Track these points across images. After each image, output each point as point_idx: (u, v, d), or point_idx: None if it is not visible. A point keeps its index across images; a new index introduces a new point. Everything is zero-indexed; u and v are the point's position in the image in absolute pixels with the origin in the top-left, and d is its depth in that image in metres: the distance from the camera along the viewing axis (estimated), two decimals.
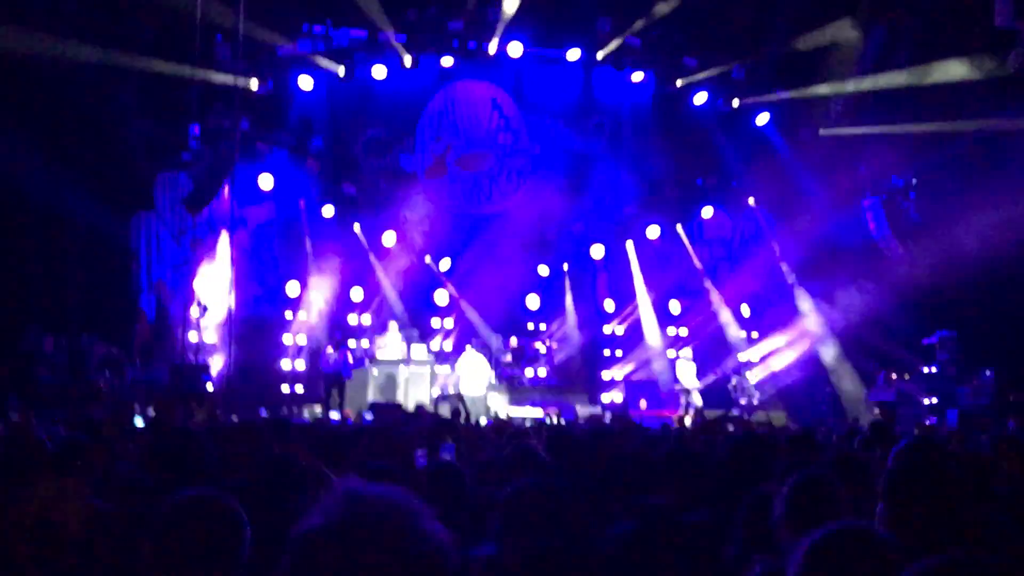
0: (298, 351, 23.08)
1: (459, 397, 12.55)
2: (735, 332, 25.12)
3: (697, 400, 21.98)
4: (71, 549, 3.42)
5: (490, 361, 23.47)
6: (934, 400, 20.29)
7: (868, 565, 2.39)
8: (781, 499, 3.93)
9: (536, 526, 3.85)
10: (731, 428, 13.37)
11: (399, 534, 1.76)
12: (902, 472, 3.97)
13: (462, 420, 13.16)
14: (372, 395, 20.57)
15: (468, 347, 22.85)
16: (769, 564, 3.78)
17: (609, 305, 26.17)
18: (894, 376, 21.75)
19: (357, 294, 24.30)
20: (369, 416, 17.45)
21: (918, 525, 3.67)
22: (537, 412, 19.49)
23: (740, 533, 4.31)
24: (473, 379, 21.86)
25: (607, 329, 26.18)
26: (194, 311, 19.57)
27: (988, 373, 19.95)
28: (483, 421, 16.11)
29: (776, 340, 24.50)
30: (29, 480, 4.32)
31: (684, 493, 5.51)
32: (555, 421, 16.12)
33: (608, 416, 18.31)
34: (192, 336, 19.57)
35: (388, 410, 17.14)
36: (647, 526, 4.11)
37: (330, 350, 20.47)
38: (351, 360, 20.58)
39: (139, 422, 12.60)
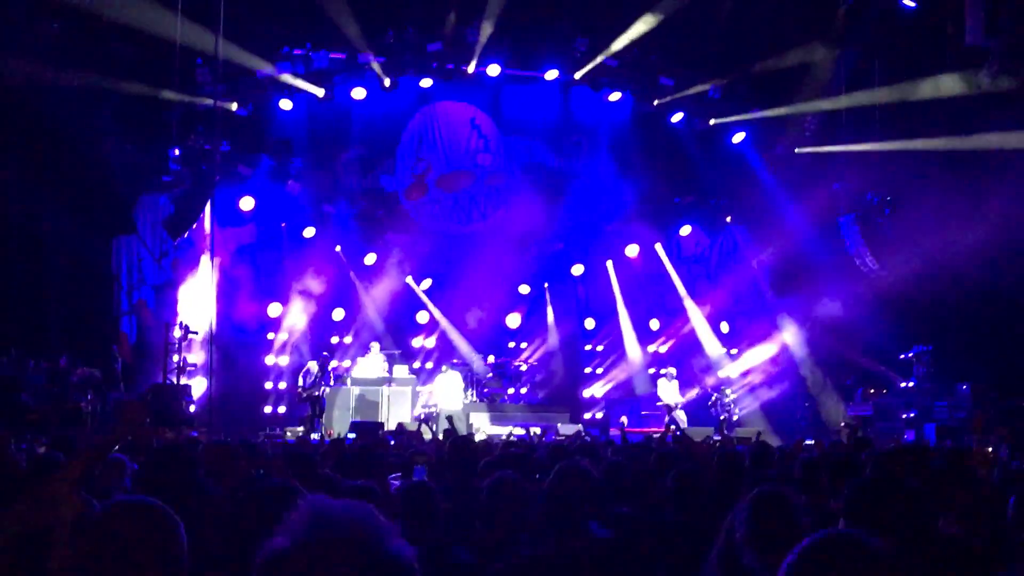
0: (280, 372, 23.11)
1: (448, 418, 12.54)
2: (714, 349, 25.25)
3: (681, 417, 22.07)
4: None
5: (471, 380, 23.55)
6: (912, 414, 20.44)
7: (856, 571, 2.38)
8: (741, 520, 3.99)
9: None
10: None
11: (363, 553, 1.76)
12: (858, 494, 4.09)
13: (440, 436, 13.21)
14: (354, 415, 20.61)
15: (444, 367, 22.98)
16: None
17: (589, 323, 26.30)
18: (872, 391, 21.92)
19: (339, 314, 24.36)
20: (351, 436, 17.48)
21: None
22: (518, 431, 19.50)
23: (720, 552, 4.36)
24: (448, 396, 21.95)
25: (588, 347, 26.29)
26: (176, 332, 19.56)
27: (964, 387, 20.12)
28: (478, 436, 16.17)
29: (755, 356, 24.63)
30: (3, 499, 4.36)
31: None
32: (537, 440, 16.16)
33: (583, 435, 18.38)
34: (174, 358, 19.55)
35: (369, 429, 17.16)
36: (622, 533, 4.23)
37: (313, 367, 20.53)
38: (331, 380, 20.65)
39: None
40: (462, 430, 18.80)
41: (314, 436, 18.56)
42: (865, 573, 2.29)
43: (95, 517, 2.99)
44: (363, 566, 1.75)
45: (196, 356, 20.18)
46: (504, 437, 15.14)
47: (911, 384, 21.11)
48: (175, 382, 19.28)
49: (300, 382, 20.57)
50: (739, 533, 3.90)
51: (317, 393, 20.12)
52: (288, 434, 19.83)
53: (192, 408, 18.84)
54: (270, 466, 5.97)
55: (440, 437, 12.66)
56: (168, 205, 21.08)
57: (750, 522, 3.88)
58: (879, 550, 2.38)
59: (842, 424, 18.17)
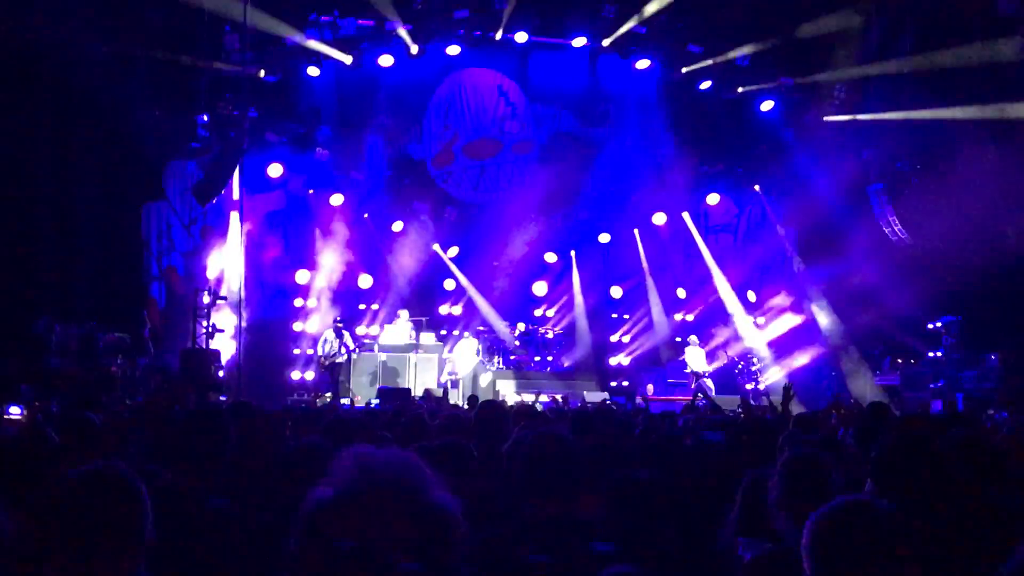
0: (307, 339, 23.21)
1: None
2: (741, 317, 25.17)
3: (709, 385, 22.08)
4: None
5: (498, 347, 23.63)
6: (940, 384, 20.35)
7: (873, 536, 2.44)
8: (775, 480, 4.01)
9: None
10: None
11: (408, 501, 1.82)
12: (889, 452, 4.09)
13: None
14: (381, 381, 20.72)
15: (466, 333, 23.09)
16: (757, 546, 3.89)
17: (616, 292, 26.27)
18: (899, 361, 21.83)
19: (366, 281, 24.43)
20: (376, 402, 17.62)
21: (905, 503, 3.74)
22: (543, 398, 19.58)
23: (736, 514, 4.39)
24: (463, 361, 22.06)
25: (614, 315, 26.28)
26: (205, 298, 19.67)
27: (993, 357, 20.01)
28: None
29: (782, 325, 24.56)
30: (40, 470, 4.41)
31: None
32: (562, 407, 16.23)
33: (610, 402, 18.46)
34: (203, 323, 19.67)
35: (396, 395, 17.28)
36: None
37: (329, 335, 20.63)
38: (350, 345, 20.71)
39: None
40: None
41: (344, 402, 18.71)
42: (880, 537, 2.35)
43: (64, 485, 3.00)
44: (408, 514, 1.80)
45: (224, 322, 20.28)
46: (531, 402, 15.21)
47: (939, 354, 20.98)
48: (204, 347, 19.41)
49: (320, 350, 20.68)
50: (772, 496, 3.92)
51: (339, 361, 20.17)
52: (317, 401, 19.97)
53: (221, 373, 18.96)
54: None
55: (466, 405, 12.77)
56: (197, 171, 21.15)
57: (783, 485, 3.89)
58: (893, 516, 2.42)
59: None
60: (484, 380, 21.75)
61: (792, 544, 3.63)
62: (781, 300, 24.78)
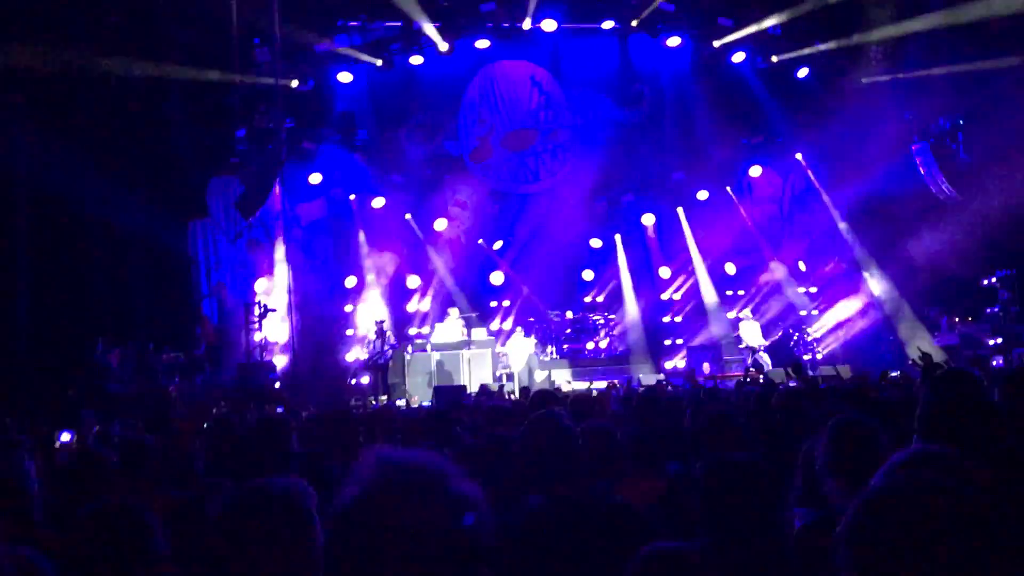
0: (361, 343, 23.33)
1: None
2: (793, 289, 24.96)
3: (765, 359, 21.92)
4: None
5: (550, 337, 23.63)
6: (999, 341, 20.06)
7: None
8: (821, 447, 3.96)
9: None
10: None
11: (431, 496, 1.84)
12: (935, 403, 4.03)
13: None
14: (436, 380, 20.76)
15: (519, 328, 23.06)
16: (809, 515, 3.86)
17: (664, 272, 26.15)
18: (957, 320, 21.54)
19: (414, 282, 24.52)
20: (430, 401, 17.67)
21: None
22: (599, 384, 19.53)
23: (797, 483, 4.34)
24: (516, 355, 22.05)
25: (664, 296, 26.16)
26: (256, 311, 19.86)
27: None
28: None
29: (836, 293, 24.34)
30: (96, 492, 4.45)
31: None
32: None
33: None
34: (256, 336, 19.86)
35: (451, 393, 17.29)
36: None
37: (372, 336, 20.72)
38: (390, 344, 20.77)
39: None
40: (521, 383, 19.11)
41: (400, 403, 18.77)
42: (952, 486, 2.24)
43: (77, 520, 3.08)
44: (431, 508, 1.82)
45: (276, 333, 20.47)
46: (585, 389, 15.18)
47: (996, 310, 20.68)
48: (259, 360, 19.60)
49: (364, 353, 20.77)
50: (819, 461, 3.88)
51: (382, 362, 20.21)
52: (373, 403, 20.06)
53: (277, 384, 19.14)
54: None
55: (516, 396, 12.77)
56: (238, 186, 21.33)
57: (829, 449, 3.85)
58: (962, 463, 2.34)
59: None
60: (539, 374, 21.73)
61: (840, 509, 3.60)
62: (832, 268, 24.56)
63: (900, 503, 1.86)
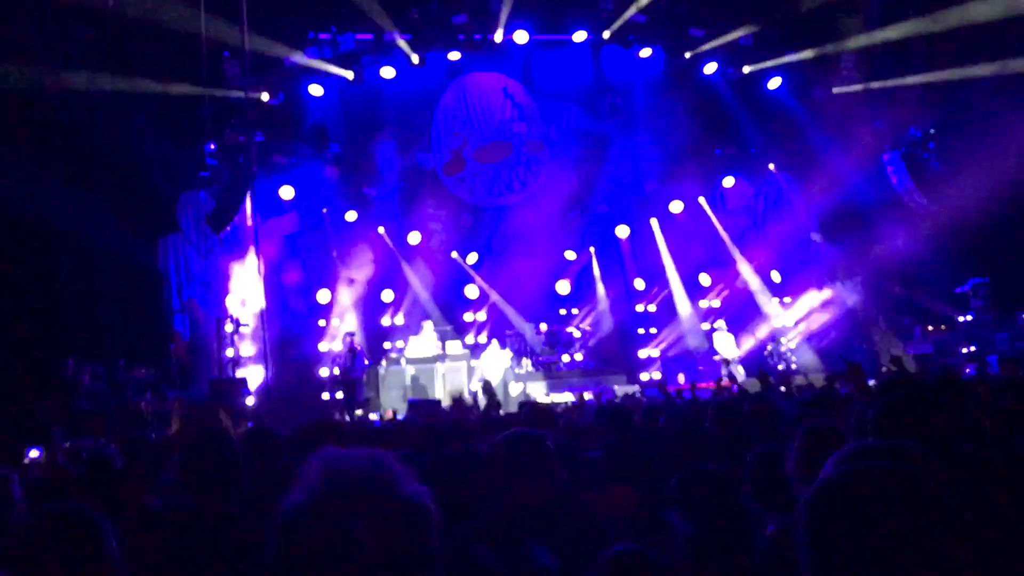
0: (333, 358, 23.21)
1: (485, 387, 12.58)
2: (767, 299, 25.01)
3: (739, 370, 21.91)
4: None
5: (525, 350, 23.58)
6: (972, 348, 20.15)
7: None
8: (792, 451, 3.94)
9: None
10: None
11: (378, 498, 1.79)
12: (883, 410, 4.04)
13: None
14: (411, 393, 20.68)
15: (494, 340, 23.02)
16: (783, 521, 3.81)
17: (639, 284, 26.15)
18: (930, 328, 21.63)
19: (388, 295, 24.42)
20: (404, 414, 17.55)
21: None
22: (573, 396, 19.47)
23: (750, 488, 4.34)
24: (491, 369, 22.00)
25: (639, 308, 26.17)
26: (227, 327, 19.71)
27: None
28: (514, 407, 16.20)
29: (809, 302, 24.40)
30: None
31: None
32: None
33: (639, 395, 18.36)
34: (228, 352, 19.72)
35: (426, 407, 17.20)
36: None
37: (342, 348, 20.64)
38: (363, 361, 20.68)
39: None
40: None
41: (373, 417, 18.66)
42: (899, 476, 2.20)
43: (26, 525, 3.07)
44: (379, 512, 1.78)
45: (248, 349, 20.32)
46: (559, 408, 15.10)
47: (970, 318, 20.78)
48: (231, 376, 19.45)
49: (335, 369, 20.64)
50: (789, 465, 3.87)
51: (353, 376, 20.09)
52: (346, 418, 19.93)
53: (250, 401, 18.99)
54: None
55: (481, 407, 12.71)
56: (209, 200, 21.19)
57: (799, 455, 3.85)
58: (913, 453, 2.35)
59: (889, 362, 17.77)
60: (514, 387, 21.67)
61: None
62: (806, 278, 24.63)
63: (845, 488, 1.94)
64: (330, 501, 1.78)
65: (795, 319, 24.49)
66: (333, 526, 1.76)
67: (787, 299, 24.98)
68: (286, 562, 1.80)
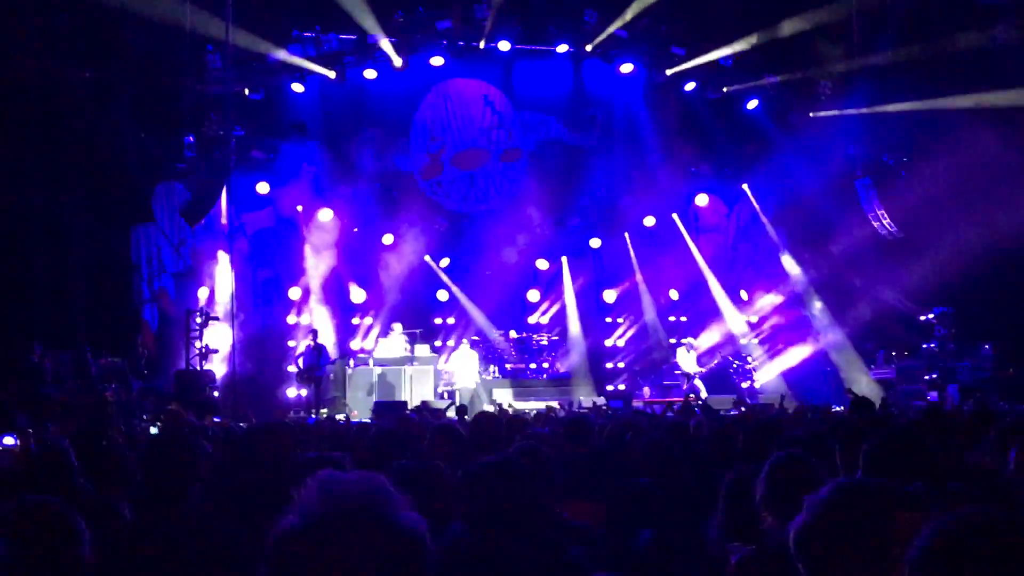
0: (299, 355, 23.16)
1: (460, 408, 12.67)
2: (734, 317, 25.16)
3: (700, 386, 22.04)
4: None
5: (493, 356, 23.62)
6: (934, 376, 20.38)
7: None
8: (761, 481, 3.99)
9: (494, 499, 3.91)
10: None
11: (374, 526, 1.78)
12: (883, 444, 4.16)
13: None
14: (377, 395, 20.66)
15: (464, 341, 23.09)
16: (744, 552, 3.89)
17: (609, 296, 26.25)
18: (894, 354, 21.86)
19: (359, 296, 24.38)
20: (370, 417, 17.58)
21: None
22: (539, 404, 19.53)
23: (720, 517, 4.41)
24: (463, 374, 22.04)
25: (608, 320, 26.26)
26: (197, 319, 19.65)
27: (987, 347, 20.08)
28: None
29: (775, 322, 24.60)
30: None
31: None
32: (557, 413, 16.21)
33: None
34: (197, 344, 19.65)
35: (392, 409, 17.23)
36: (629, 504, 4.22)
37: (301, 347, 20.62)
38: (330, 357, 20.67)
39: (153, 430, 12.77)
40: (472, 405, 19.05)
41: (339, 417, 18.63)
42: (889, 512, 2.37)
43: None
44: (374, 539, 1.77)
45: (218, 342, 20.25)
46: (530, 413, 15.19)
47: (933, 346, 21.02)
48: (198, 368, 19.39)
49: (299, 365, 20.55)
50: (758, 495, 3.92)
51: (318, 374, 20.03)
52: (312, 415, 19.91)
53: (216, 394, 18.95)
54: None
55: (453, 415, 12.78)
56: (184, 192, 21.13)
57: (768, 484, 3.89)
58: (903, 492, 2.50)
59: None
60: (501, 395, 21.72)
61: (776, 544, 3.63)
62: (773, 298, 24.83)
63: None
64: (326, 525, 1.77)
65: (760, 338, 24.69)
66: (327, 550, 1.75)
67: (753, 318, 25.15)
68: None
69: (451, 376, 22.23)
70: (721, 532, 4.32)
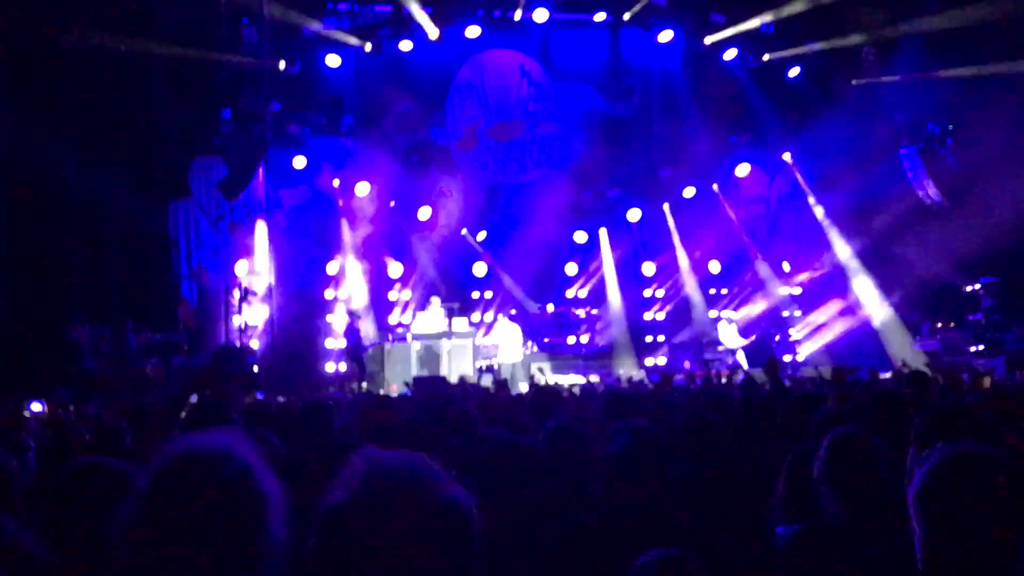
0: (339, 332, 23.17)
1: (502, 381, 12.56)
2: (777, 289, 24.93)
3: (741, 359, 21.89)
4: None
5: (531, 330, 23.52)
6: (980, 347, 20.08)
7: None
8: (820, 458, 3.94)
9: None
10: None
11: (420, 501, 1.81)
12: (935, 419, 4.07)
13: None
14: (415, 369, 20.64)
15: (501, 316, 23.00)
16: (790, 529, 3.83)
17: (648, 269, 26.08)
18: (939, 325, 21.55)
19: (396, 270, 24.35)
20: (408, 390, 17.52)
21: None
22: (579, 379, 19.43)
23: (781, 493, 4.34)
24: (508, 347, 21.96)
25: (647, 293, 26.10)
26: (236, 294, 19.67)
27: None
28: (524, 388, 16.15)
29: (819, 294, 24.35)
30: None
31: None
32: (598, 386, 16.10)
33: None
34: (236, 319, 19.68)
35: (430, 383, 17.15)
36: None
37: (341, 324, 20.68)
38: (369, 335, 20.72)
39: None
40: (516, 379, 18.98)
41: (382, 392, 18.63)
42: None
43: (60, 476, 3.07)
44: (421, 514, 1.80)
45: (256, 317, 20.28)
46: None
47: (979, 317, 20.70)
48: (237, 344, 19.42)
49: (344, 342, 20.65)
50: (816, 472, 3.85)
51: (360, 353, 20.10)
52: (357, 390, 19.91)
53: (255, 369, 18.97)
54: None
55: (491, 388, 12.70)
56: (222, 167, 21.11)
57: (828, 461, 3.83)
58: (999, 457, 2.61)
59: (925, 361, 17.65)
60: (522, 368, 21.65)
61: (834, 521, 3.79)
62: (816, 269, 24.55)
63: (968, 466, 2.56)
64: (372, 500, 1.80)
65: (804, 310, 24.48)
66: (374, 525, 1.78)
67: (797, 290, 24.91)
68: (326, 559, 1.82)
69: (493, 350, 22.12)
70: (781, 509, 4.24)
